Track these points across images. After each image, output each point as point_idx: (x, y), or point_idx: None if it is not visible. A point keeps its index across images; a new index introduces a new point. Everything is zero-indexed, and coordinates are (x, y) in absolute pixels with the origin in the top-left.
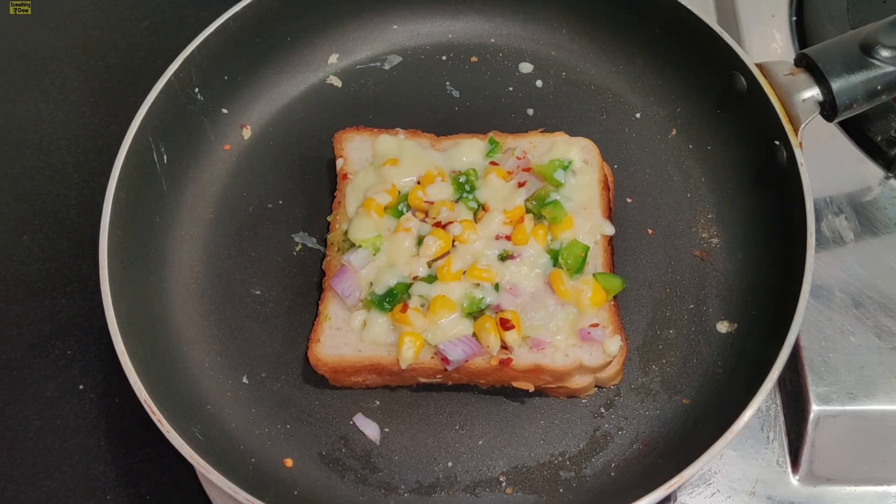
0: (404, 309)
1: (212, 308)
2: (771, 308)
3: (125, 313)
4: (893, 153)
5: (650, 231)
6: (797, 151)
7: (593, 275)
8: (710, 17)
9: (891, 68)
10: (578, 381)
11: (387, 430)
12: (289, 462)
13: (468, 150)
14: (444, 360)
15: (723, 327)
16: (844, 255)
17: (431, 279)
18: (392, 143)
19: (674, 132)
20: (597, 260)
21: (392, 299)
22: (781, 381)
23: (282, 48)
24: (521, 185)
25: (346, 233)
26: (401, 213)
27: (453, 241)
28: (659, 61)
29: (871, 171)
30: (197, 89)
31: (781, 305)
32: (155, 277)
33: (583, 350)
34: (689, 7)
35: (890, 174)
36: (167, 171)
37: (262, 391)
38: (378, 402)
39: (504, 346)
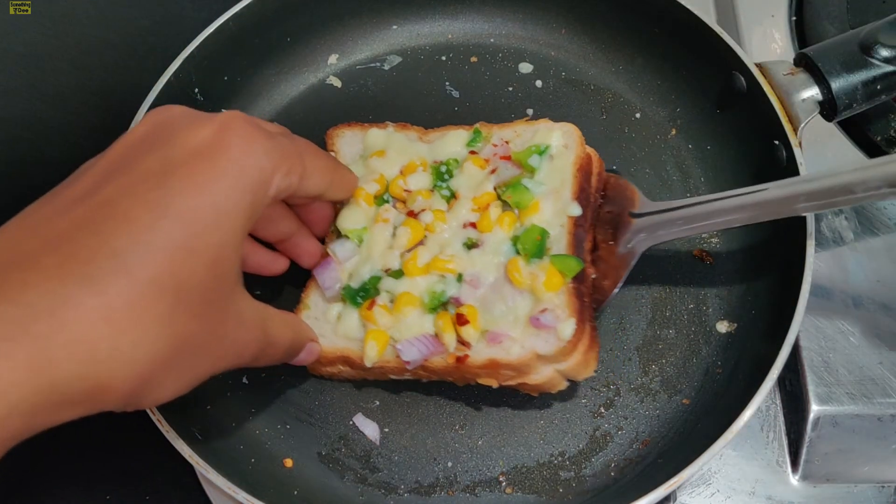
0: (371, 306)
1: None
2: (771, 308)
3: None
4: (893, 153)
5: None
6: (797, 151)
7: (550, 257)
8: (709, 17)
9: (890, 68)
10: (541, 375)
11: (387, 430)
12: (288, 462)
13: (452, 141)
14: (404, 360)
15: (723, 327)
16: (844, 255)
17: (398, 274)
18: (381, 135)
19: (674, 132)
20: (560, 242)
21: (365, 294)
22: (781, 381)
23: (282, 48)
24: (493, 171)
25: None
26: (385, 203)
27: (425, 231)
28: (659, 61)
29: None
30: (197, 89)
31: (781, 305)
32: None
33: (537, 338)
34: (688, 7)
35: None
36: None
37: (262, 391)
38: (378, 402)
39: (462, 342)
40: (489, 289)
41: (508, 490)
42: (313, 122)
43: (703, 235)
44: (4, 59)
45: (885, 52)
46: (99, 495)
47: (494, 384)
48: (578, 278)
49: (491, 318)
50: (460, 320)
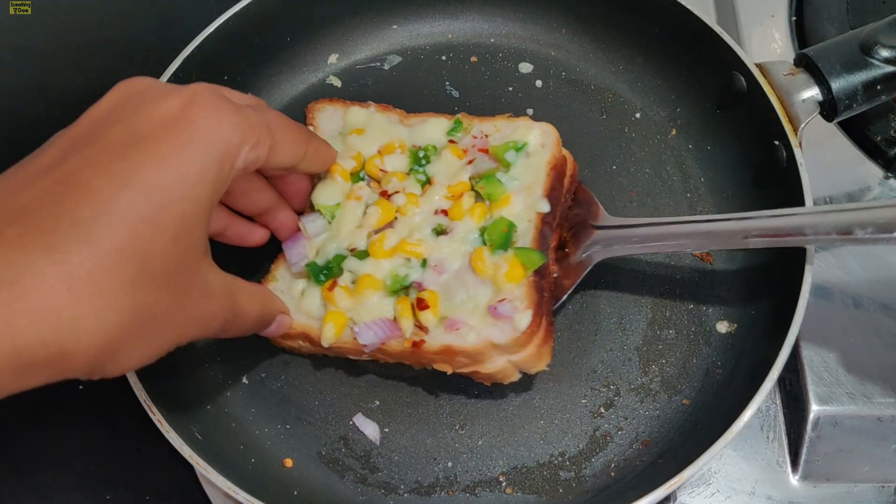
0: (332, 287)
1: None
2: (771, 308)
3: None
4: (893, 153)
5: None
6: (797, 151)
7: (514, 249)
8: (709, 17)
9: (890, 68)
10: (495, 364)
11: (387, 430)
12: (288, 462)
13: (432, 128)
14: (361, 343)
15: (723, 327)
16: (844, 255)
17: (363, 255)
18: (362, 114)
19: (674, 132)
20: (526, 237)
21: (328, 272)
22: (781, 381)
23: (282, 48)
24: (470, 162)
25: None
26: (361, 181)
27: (396, 213)
28: (659, 61)
29: (870, 171)
30: None
31: (781, 305)
32: None
33: (494, 328)
34: (688, 7)
35: (889, 174)
36: None
37: (262, 391)
38: (378, 402)
39: (420, 327)
40: (452, 276)
41: (508, 490)
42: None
43: None
44: (4, 58)
45: (885, 53)
46: (99, 495)
47: (449, 370)
48: (540, 272)
49: (451, 304)
50: (420, 305)
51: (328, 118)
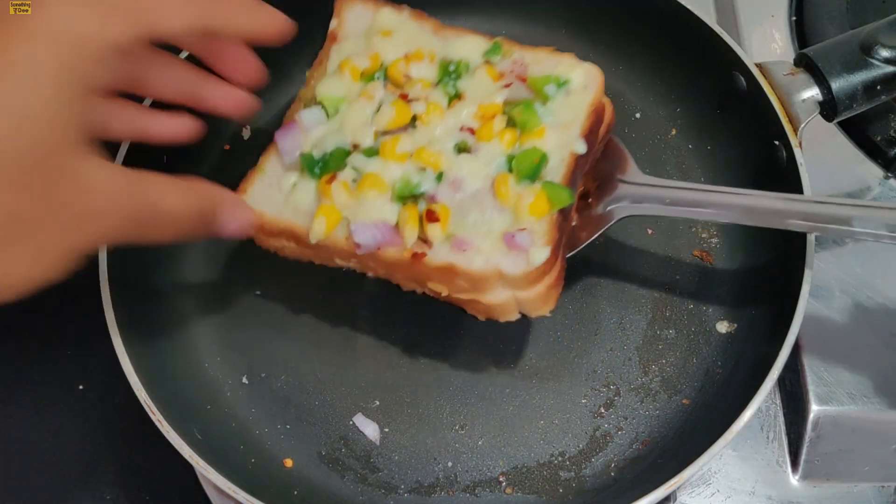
0: (331, 180)
1: (212, 308)
2: (771, 308)
3: (125, 313)
4: (893, 153)
5: (650, 231)
6: (797, 151)
7: (543, 183)
8: (709, 17)
9: (890, 68)
10: (496, 296)
11: (387, 430)
12: (288, 462)
13: (468, 45)
14: (356, 242)
15: (723, 327)
16: (844, 255)
17: (372, 152)
18: (393, 17)
19: (674, 132)
20: (556, 173)
21: (325, 166)
22: (781, 381)
23: (282, 48)
24: (506, 86)
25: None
26: (375, 82)
27: (414, 119)
28: (659, 61)
29: (870, 171)
30: None
31: (781, 305)
32: (155, 277)
33: (505, 257)
34: (688, 7)
35: (889, 174)
36: (167, 171)
37: (262, 391)
38: (378, 402)
39: (424, 241)
40: (469, 196)
41: (508, 490)
42: None
43: (703, 235)
44: None
45: (885, 53)
46: (99, 495)
47: (444, 292)
48: (564, 213)
49: (462, 224)
50: (430, 217)
51: (356, 16)
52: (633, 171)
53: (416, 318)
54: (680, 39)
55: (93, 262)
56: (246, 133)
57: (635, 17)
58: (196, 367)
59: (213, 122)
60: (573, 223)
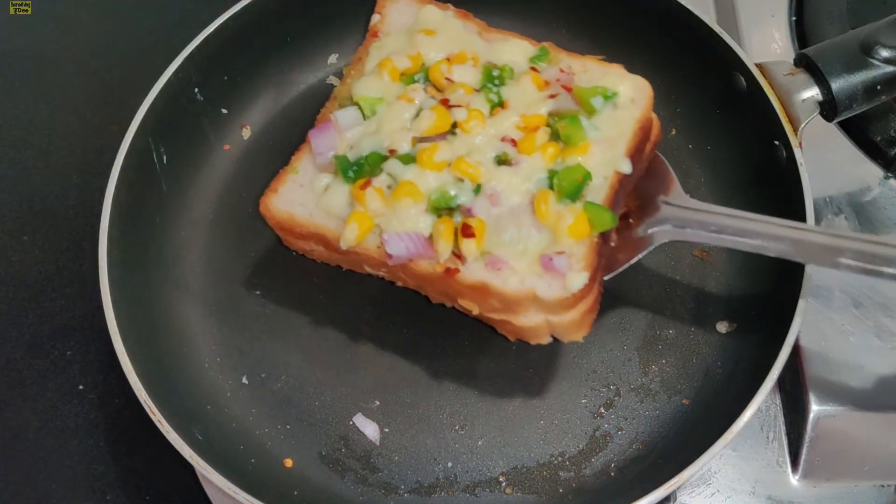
0: (365, 185)
1: (212, 308)
2: (771, 308)
3: (125, 314)
4: (893, 153)
5: None
6: (797, 151)
7: (585, 203)
8: (709, 17)
9: (890, 68)
10: (529, 319)
11: (387, 430)
12: (289, 462)
13: (514, 49)
14: (387, 253)
15: (723, 327)
16: None
17: (409, 159)
18: (437, 15)
19: (674, 132)
20: (599, 193)
21: (360, 170)
22: (781, 381)
23: (282, 48)
24: (552, 97)
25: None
26: (415, 83)
27: (454, 127)
28: (659, 61)
29: (870, 171)
30: (197, 89)
31: (781, 305)
32: (155, 278)
33: (541, 280)
34: (688, 7)
35: (889, 174)
36: (167, 172)
37: (261, 391)
38: (378, 402)
39: (458, 256)
40: (507, 211)
41: (508, 490)
42: (313, 121)
43: None
44: (4, 58)
45: (885, 53)
46: (99, 495)
47: (475, 311)
48: (604, 236)
49: (497, 241)
50: (465, 231)
51: (400, 11)
52: (676, 193)
53: (416, 320)
54: (680, 39)
55: (93, 262)
56: (246, 133)
57: (635, 17)
58: (196, 367)
59: (213, 121)
60: (612, 244)
